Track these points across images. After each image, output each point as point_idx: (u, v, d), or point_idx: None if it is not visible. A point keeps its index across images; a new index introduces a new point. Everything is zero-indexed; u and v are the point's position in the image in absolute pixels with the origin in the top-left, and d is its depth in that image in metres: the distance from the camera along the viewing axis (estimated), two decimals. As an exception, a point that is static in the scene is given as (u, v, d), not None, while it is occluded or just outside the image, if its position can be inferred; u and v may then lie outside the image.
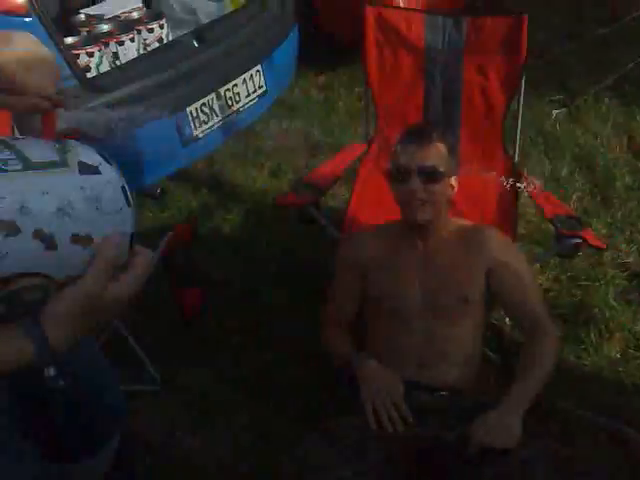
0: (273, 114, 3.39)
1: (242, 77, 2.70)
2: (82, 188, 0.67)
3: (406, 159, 1.67)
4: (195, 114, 2.48)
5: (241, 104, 2.69)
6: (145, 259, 0.74)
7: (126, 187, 0.73)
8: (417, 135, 1.74)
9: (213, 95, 2.56)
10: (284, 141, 3.24)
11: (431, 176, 1.65)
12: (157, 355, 2.09)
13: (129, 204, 0.72)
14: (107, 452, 1.22)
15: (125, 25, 2.74)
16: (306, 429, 1.59)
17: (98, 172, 0.70)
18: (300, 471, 1.44)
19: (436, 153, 1.69)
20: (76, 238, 0.66)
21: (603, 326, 2.16)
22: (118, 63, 2.58)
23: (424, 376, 1.65)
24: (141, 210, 2.85)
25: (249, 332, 2.24)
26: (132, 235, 0.73)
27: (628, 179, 2.88)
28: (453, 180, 1.74)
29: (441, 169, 1.67)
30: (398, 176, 1.68)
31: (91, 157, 0.71)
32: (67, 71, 2.10)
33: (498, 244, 1.73)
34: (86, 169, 0.69)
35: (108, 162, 0.72)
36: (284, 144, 3.18)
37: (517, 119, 2.35)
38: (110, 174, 0.71)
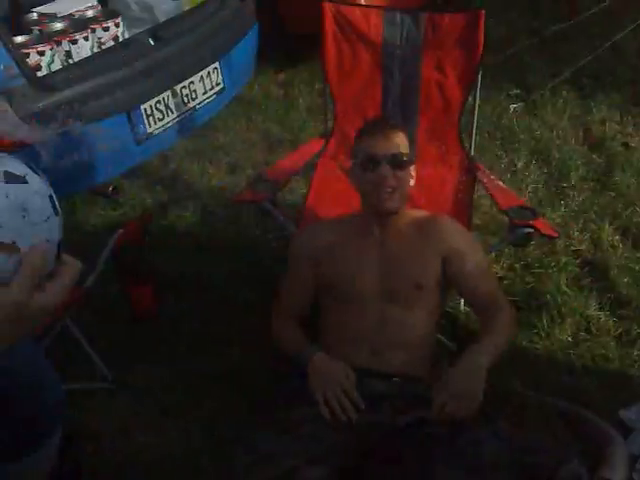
0: (232, 111, 3.40)
1: (199, 74, 2.69)
2: (7, 197, 0.68)
3: (375, 148, 1.73)
4: (150, 111, 2.47)
5: (198, 101, 2.68)
6: (72, 268, 0.76)
7: (54, 196, 0.73)
8: (382, 125, 1.81)
9: (169, 92, 2.55)
10: (243, 138, 3.26)
11: (399, 163, 1.72)
12: (111, 354, 2.08)
13: (56, 213, 0.73)
14: (48, 450, 1.21)
15: (79, 23, 2.71)
16: (260, 423, 1.59)
17: (25, 182, 0.70)
18: (253, 462, 1.44)
19: (401, 141, 1.76)
20: (1, 246, 0.67)
21: (555, 311, 2.21)
22: (71, 62, 2.55)
23: (376, 363, 1.66)
24: (93, 209, 2.84)
25: (204, 329, 2.24)
26: (59, 243, 0.73)
27: (582, 170, 2.94)
28: (412, 170, 1.80)
29: (407, 156, 1.74)
30: (368, 165, 1.72)
31: (17, 168, 0.71)
32: (15, 70, 2.08)
33: (453, 232, 1.77)
34: (13, 179, 0.69)
35: (35, 172, 0.72)
36: (243, 141, 3.20)
37: (474, 114, 2.39)
38: (37, 184, 0.71)
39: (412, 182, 1.80)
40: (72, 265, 0.76)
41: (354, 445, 1.50)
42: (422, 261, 1.72)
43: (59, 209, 0.74)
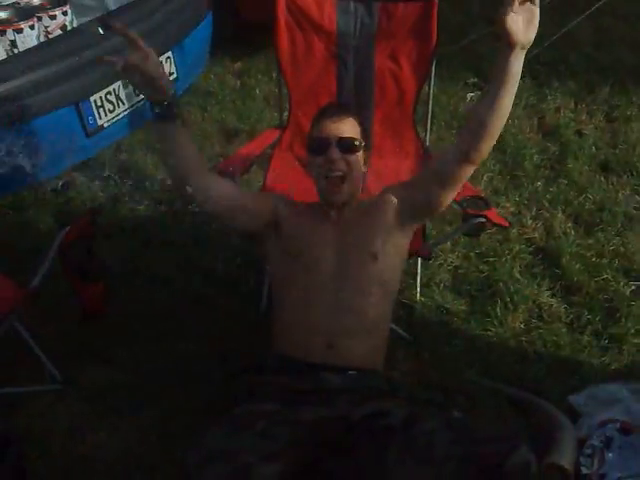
0: (187, 101, 3.35)
1: (151, 64, 2.64)
2: None
3: (325, 132, 1.72)
4: (100, 103, 2.41)
5: (150, 92, 2.63)
6: None
7: None
8: (334, 110, 1.80)
9: (119, 83, 2.49)
10: (198, 129, 3.21)
11: (349, 147, 1.71)
12: (59, 354, 2.04)
13: None
14: None
15: (25, 12, 2.63)
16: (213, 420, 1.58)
17: None
18: (204, 459, 1.43)
19: (353, 126, 1.76)
20: None
21: (508, 299, 2.25)
22: (16, 52, 2.48)
23: (332, 356, 1.63)
24: (42, 204, 2.77)
25: (155, 326, 2.21)
26: None
27: (537, 159, 2.98)
28: (364, 157, 1.79)
29: (358, 140, 1.74)
30: (318, 148, 1.72)
31: None
32: (-44, 60, 2.01)
33: (393, 189, 1.78)
34: None
35: None
36: (198, 132, 3.15)
37: (429, 103, 2.39)
38: None
39: (365, 169, 1.80)
40: None
41: (309, 440, 1.49)
42: (376, 230, 1.72)
43: None
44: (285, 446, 1.45)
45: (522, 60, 1.48)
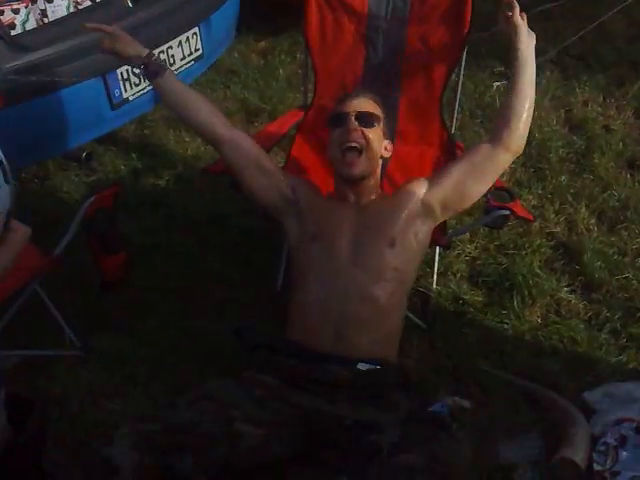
0: (210, 78, 3.34)
1: (178, 39, 2.63)
2: None
3: (345, 106, 1.79)
4: (126, 76, 2.41)
5: (176, 67, 2.62)
6: (21, 235, 0.78)
7: (5, 165, 0.72)
8: (353, 92, 1.88)
9: (146, 57, 2.48)
10: (220, 107, 3.19)
11: (367, 119, 1.76)
12: (80, 321, 2.06)
13: (7, 181, 0.73)
14: None
15: (55, -19, 2.63)
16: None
17: None
18: (197, 398, 1.48)
19: (372, 104, 1.82)
20: None
21: (526, 292, 2.23)
22: (46, 21, 2.48)
23: (341, 348, 1.61)
24: (66, 174, 2.79)
25: (174, 299, 2.23)
26: (9, 212, 0.74)
27: (562, 152, 2.93)
28: (388, 144, 1.82)
29: (376, 115, 1.79)
30: (337, 121, 1.77)
31: None
32: (-12, 27, 2.01)
33: (421, 180, 1.79)
34: None
35: None
36: (220, 109, 3.13)
37: (457, 91, 2.36)
38: None
39: (387, 154, 1.83)
40: (21, 232, 0.78)
41: (295, 425, 1.50)
42: (395, 217, 1.72)
43: (10, 178, 0.73)
44: (270, 419, 1.48)
45: (532, 45, 1.73)
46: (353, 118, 1.74)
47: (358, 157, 1.72)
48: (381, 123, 1.81)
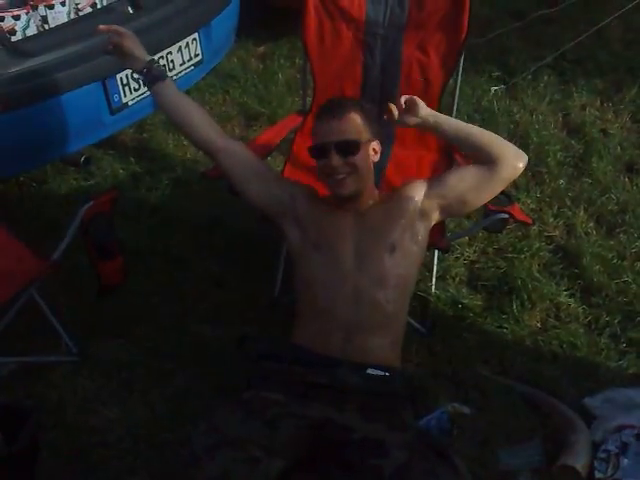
0: (210, 83, 3.34)
1: (177, 45, 2.63)
2: None
3: (323, 136, 1.70)
4: (125, 81, 2.41)
5: (175, 72, 2.62)
6: None
7: None
8: (330, 111, 1.74)
9: (145, 62, 2.48)
10: (219, 111, 3.20)
11: (349, 149, 1.68)
12: (76, 327, 2.06)
13: None
14: None
15: (55, -13, 2.63)
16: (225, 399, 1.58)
17: None
18: (215, 444, 1.41)
19: (351, 125, 1.71)
20: None
21: (525, 297, 2.23)
22: (47, 27, 2.48)
23: (350, 351, 1.61)
24: (65, 179, 2.78)
25: (172, 305, 2.23)
26: None
27: (560, 156, 2.94)
28: (376, 144, 1.77)
29: (358, 139, 1.70)
30: (318, 155, 1.71)
31: None
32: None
33: (420, 183, 1.78)
34: None
35: None
36: (219, 114, 3.14)
37: (454, 96, 2.37)
38: None
39: (375, 156, 1.77)
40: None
41: (309, 437, 1.48)
42: (393, 221, 1.71)
43: None
44: (288, 440, 1.44)
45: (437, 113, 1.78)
46: (334, 151, 1.66)
47: (346, 179, 1.69)
48: (368, 133, 1.73)
